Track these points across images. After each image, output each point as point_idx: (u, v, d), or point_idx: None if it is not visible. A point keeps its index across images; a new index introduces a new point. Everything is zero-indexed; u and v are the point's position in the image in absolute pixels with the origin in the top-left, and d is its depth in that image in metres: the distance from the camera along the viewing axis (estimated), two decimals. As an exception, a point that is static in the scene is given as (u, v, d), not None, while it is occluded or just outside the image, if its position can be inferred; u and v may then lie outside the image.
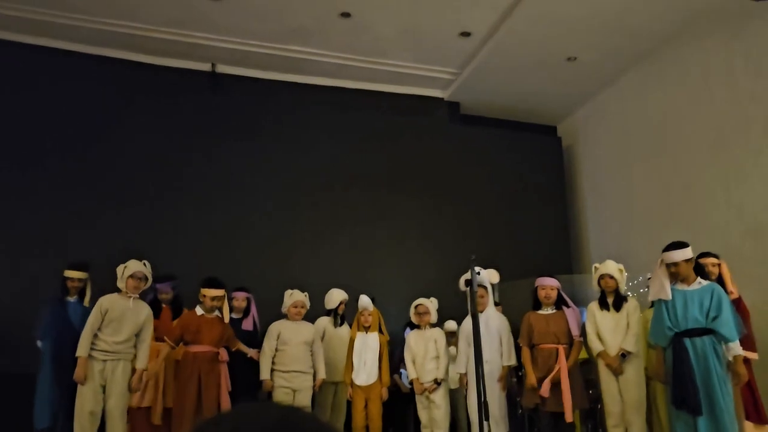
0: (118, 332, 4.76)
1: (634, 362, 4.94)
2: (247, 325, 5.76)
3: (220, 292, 5.08)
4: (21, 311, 5.37)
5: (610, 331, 5.01)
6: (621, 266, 5.17)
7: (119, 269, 4.95)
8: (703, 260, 5.05)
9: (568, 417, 4.84)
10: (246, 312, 5.82)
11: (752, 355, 4.79)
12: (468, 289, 4.63)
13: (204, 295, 5.06)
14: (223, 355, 5.15)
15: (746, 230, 6.00)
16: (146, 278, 5.02)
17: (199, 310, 5.09)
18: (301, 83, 7.99)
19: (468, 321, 5.14)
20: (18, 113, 6.50)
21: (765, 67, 5.94)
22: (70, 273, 5.15)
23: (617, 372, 4.93)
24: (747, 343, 4.80)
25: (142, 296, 5.12)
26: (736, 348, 4.20)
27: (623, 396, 4.92)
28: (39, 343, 5.07)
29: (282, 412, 0.77)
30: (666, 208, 7.08)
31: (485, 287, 5.43)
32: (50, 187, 6.42)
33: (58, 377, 4.88)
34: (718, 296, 4.27)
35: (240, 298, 5.79)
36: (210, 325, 5.05)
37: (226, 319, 5.22)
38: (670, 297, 4.36)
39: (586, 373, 5.30)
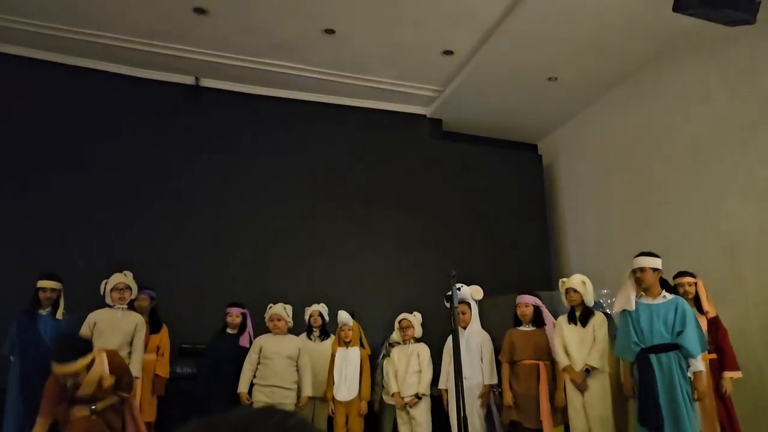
0: (108, 342, 4.75)
1: (599, 378, 4.91)
2: (244, 341, 5.66)
3: (49, 284, 4.98)
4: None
5: (576, 345, 5.00)
6: (584, 279, 5.18)
7: (102, 284, 4.97)
8: (679, 279, 5.12)
9: None
10: (242, 328, 5.71)
11: (735, 374, 4.85)
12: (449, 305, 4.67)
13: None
14: None
15: (723, 248, 6.10)
16: (129, 288, 5.02)
17: None
18: (284, 98, 8.01)
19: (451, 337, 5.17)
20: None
21: (740, 88, 6.08)
22: (43, 283, 5.03)
23: (580, 387, 4.93)
24: (728, 361, 4.86)
25: None
26: (697, 364, 4.21)
27: (587, 411, 4.89)
28: (11, 358, 4.97)
29: (277, 419, 0.77)
30: (644, 226, 7.18)
31: (468, 303, 5.46)
32: (26, 200, 6.31)
33: (25, 393, 4.75)
34: (682, 310, 4.28)
35: (234, 314, 5.67)
36: None
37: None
38: (633, 307, 4.37)
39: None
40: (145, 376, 5.23)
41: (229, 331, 5.68)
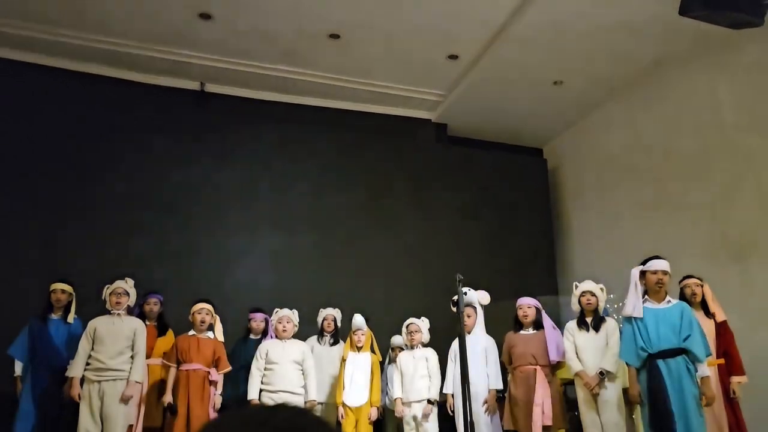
0: (108, 347, 4.78)
1: (612, 383, 4.89)
2: None
3: (62, 286, 5.14)
4: (10, 330, 5.21)
5: (589, 350, 4.99)
6: (601, 285, 5.19)
7: (105, 290, 5.01)
8: (685, 282, 5.11)
9: None
10: (264, 333, 5.81)
11: (743, 379, 4.83)
12: (456, 308, 4.64)
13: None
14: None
15: (730, 255, 6.07)
16: (127, 293, 5.02)
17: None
18: (288, 103, 8.01)
19: (457, 341, 5.14)
20: None
21: (748, 95, 6.06)
22: (56, 285, 5.11)
23: (596, 392, 4.89)
24: (735, 366, 4.84)
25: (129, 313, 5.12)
26: (704, 369, 4.21)
27: (601, 417, 4.86)
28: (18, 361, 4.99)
29: (289, 415, 0.77)
30: (650, 232, 7.14)
31: (474, 308, 5.43)
32: (31, 206, 6.32)
33: (35, 396, 4.82)
34: (688, 315, 4.29)
35: (258, 319, 5.82)
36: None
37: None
38: (642, 314, 4.36)
39: (571, 393, 5.30)
40: (152, 381, 5.24)
41: (252, 336, 5.79)
